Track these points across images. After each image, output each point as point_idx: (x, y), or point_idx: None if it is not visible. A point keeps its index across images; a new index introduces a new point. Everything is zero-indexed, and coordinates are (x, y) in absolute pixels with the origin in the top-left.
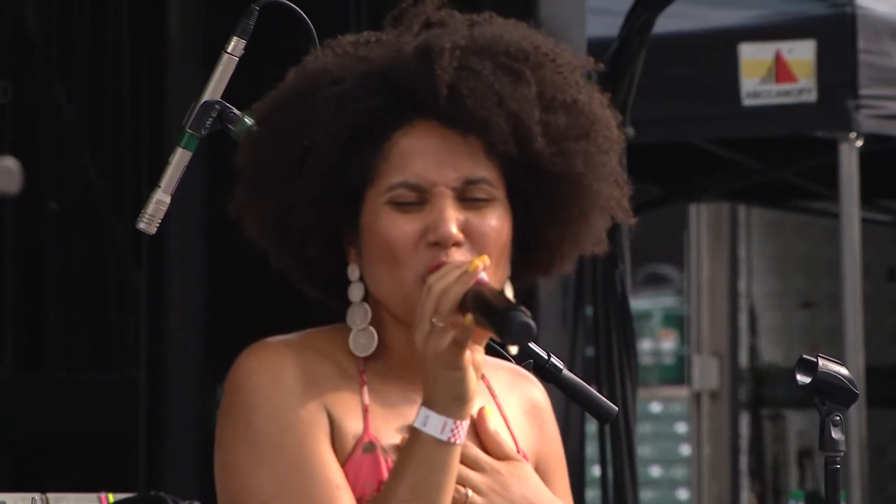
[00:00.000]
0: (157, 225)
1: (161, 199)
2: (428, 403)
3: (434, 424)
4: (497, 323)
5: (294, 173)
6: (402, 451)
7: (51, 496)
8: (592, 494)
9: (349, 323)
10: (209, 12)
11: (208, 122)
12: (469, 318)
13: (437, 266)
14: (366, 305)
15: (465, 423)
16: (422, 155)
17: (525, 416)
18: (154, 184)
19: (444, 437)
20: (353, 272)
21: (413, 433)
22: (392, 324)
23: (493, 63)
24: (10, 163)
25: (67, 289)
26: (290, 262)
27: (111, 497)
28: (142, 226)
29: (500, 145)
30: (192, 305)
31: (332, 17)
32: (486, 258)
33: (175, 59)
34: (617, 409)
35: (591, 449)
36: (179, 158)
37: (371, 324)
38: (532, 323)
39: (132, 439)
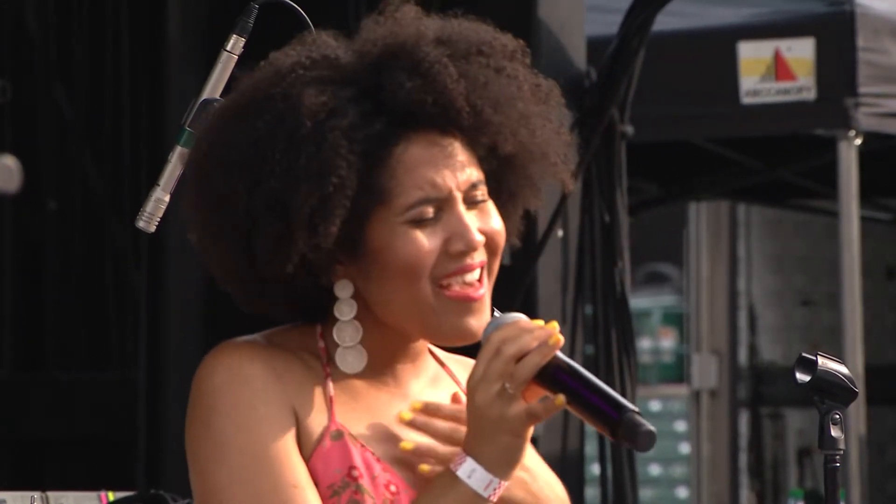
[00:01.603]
0: (157, 223)
1: (160, 198)
2: (476, 456)
3: (479, 479)
4: (611, 425)
5: (320, 214)
6: (433, 490)
7: (51, 495)
8: (592, 493)
9: (337, 340)
10: (209, 11)
11: None
12: (561, 399)
13: (463, 270)
14: (356, 323)
15: (505, 484)
16: (428, 166)
17: None
18: (153, 182)
19: (485, 494)
20: (345, 289)
21: (452, 479)
22: (372, 327)
23: (481, 66)
24: (10, 161)
25: (66, 288)
26: (278, 295)
27: (111, 496)
28: (141, 224)
29: (506, 146)
30: (191, 305)
31: (331, 16)
32: (556, 324)
33: (174, 57)
34: None
35: (591, 447)
36: (179, 157)
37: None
38: (653, 428)
39: (132, 438)
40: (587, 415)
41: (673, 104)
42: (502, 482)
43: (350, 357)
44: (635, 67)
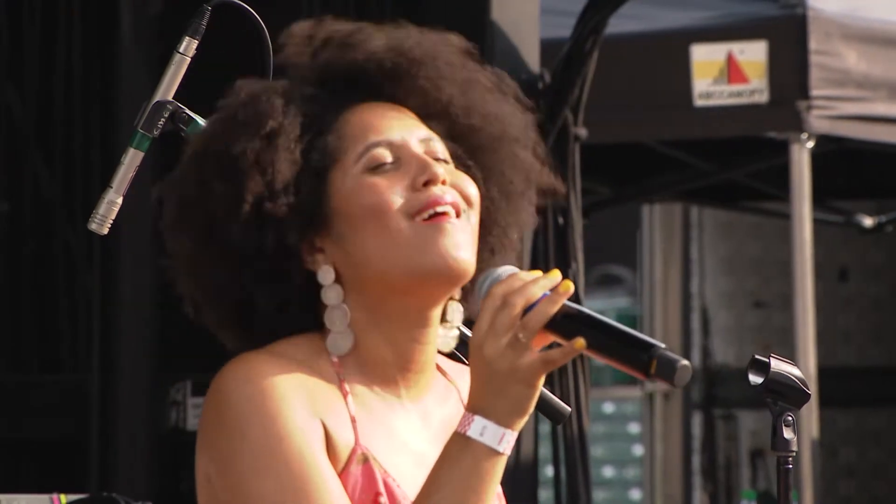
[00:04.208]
0: (109, 226)
1: (112, 200)
2: (485, 413)
3: (492, 435)
4: (642, 366)
5: (266, 154)
6: (447, 458)
7: (2, 497)
8: (546, 495)
9: (328, 325)
10: (161, 13)
11: (160, 123)
12: (581, 342)
13: (434, 203)
14: (345, 307)
15: (516, 435)
16: (375, 118)
17: None
18: (106, 184)
19: (500, 449)
20: (328, 275)
21: (463, 441)
22: (366, 326)
23: (418, 37)
24: None
25: (17, 291)
26: (267, 305)
27: (63, 498)
28: (93, 226)
29: (442, 96)
30: (143, 308)
31: (283, 18)
32: (558, 273)
33: (127, 59)
34: (570, 409)
35: (545, 449)
36: (131, 159)
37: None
38: (687, 362)
39: (85, 441)
40: (611, 358)
41: (626, 106)
42: (514, 433)
43: (339, 340)
44: (589, 70)
